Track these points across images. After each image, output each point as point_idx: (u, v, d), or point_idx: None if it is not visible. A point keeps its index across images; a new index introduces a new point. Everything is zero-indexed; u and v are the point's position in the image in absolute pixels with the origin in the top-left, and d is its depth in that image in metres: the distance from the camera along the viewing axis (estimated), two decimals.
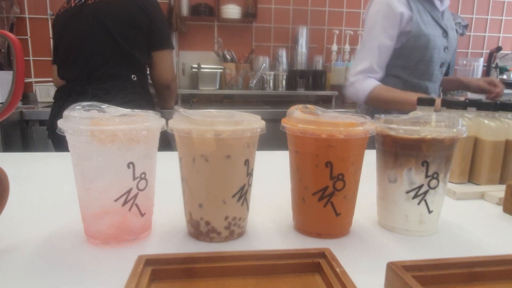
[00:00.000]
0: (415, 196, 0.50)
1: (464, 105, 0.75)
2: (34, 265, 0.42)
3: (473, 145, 0.73)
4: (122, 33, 1.35)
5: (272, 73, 2.54)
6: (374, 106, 1.39)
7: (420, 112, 0.76)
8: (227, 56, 2.53)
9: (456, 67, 2.91)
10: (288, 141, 0.52)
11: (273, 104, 2.53)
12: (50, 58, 1.55)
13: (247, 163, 0.48)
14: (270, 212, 0.59)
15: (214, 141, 0.44)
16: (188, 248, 0.47)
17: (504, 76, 2.88)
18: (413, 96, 1.25)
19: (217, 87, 2.49)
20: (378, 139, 0.53)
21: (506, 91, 2.60)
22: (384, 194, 0.54)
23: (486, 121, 0.71)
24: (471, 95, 2.13)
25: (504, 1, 2.96)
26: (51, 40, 2.31)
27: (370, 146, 0.53)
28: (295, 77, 2.56)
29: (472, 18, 2.95)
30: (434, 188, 0.50)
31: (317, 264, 0.39)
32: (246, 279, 0.38)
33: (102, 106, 0.47)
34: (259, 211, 0.58)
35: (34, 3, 2.42)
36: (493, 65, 2.91)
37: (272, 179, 0.76)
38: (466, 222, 0.57)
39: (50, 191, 0.68)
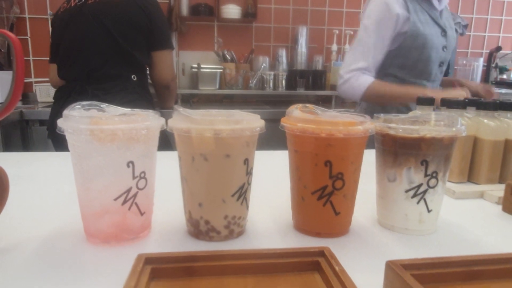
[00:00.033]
0: (414, 195, 0.51)
1: (463, 105, 0.75)
2: (34, 264, 0.42)
3: (472, 145, 0.73)
4: (122, 33, 1.36)
5: (272, 73, 2.54)
6: (371, 101, 1.39)
7: (419, 111, 0.76)
8: (227, 56, 2.53)
9: (456, 67, 2.91)
10: (287, 140, 0.52)
11: (273, 104, 2.53)
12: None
13: (247, 162, 0.48)
14: (269, 211, 0.59)
15: (214, 140, 0.45)
16: (188, 247, 0.47)
17: (504, 76, 2.89)
18: (412, 89, 1.26)
19: (217, 87, 2.49)
20: (377, 138, 0.53)
21: (506, 91, 2.61)
22: (383, 193, 0.54)
23: (485, 121, 0.71)
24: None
25: (504, 1, 2.96)
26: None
27: (370, 145, 0.53)
28: (295, 77, 2.56)
29: (472, 18, 2.95)
30: (433, 187, 0.50)
31: (316, 263, 0.39)
32: (245, 277, 0.38)
33: (102, 105, 0.47)
34: (258, 210, 0.58)
35: (34, 3, 2.42)
36: (493, 65, 2.91)
37: (272, 178, 0.76)
38: (466, 221, 0.58)
39: (50, 191, 0.68)
